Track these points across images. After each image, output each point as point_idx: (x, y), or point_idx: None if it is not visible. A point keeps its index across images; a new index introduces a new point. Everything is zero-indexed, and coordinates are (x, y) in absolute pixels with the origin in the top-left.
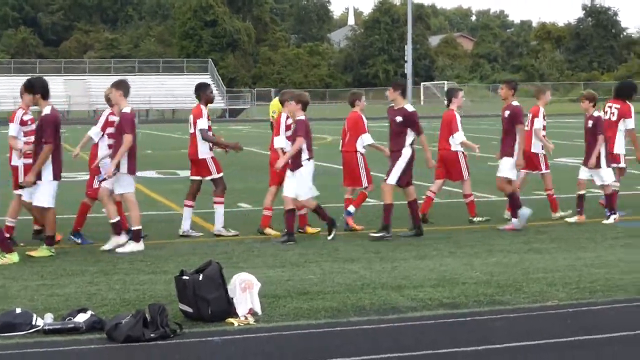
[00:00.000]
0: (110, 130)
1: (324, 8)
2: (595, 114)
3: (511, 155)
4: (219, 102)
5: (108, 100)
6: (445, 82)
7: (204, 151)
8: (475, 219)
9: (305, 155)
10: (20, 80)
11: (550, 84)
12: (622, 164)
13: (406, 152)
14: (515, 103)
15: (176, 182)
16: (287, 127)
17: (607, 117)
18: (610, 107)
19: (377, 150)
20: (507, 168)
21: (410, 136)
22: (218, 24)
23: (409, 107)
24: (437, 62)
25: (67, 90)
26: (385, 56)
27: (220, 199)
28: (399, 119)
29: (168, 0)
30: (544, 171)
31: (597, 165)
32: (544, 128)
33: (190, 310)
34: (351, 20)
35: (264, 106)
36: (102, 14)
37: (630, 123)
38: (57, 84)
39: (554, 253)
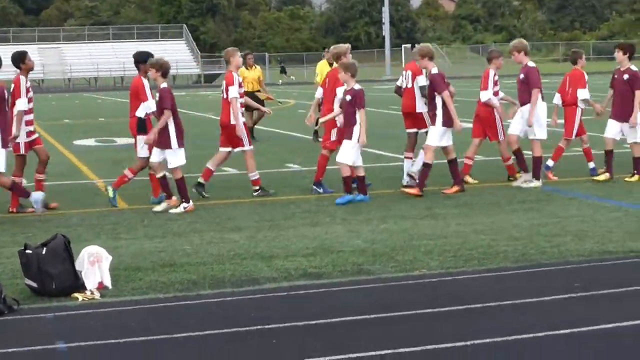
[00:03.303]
0: None
1: None
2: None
3: None
4: (194, 68)
5: None
6: (428, 44)
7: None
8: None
9: None
10: None
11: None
12: None
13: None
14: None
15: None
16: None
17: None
18: None
19: None
20: None
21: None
22: None
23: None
24: (419, 23)
25: (42, 59)
26: (366, 18)
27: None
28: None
29: None
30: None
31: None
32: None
33: (35, 285)
34: None
35: None
36: None
37: None
38: (31, 53)
39: (449, 219)
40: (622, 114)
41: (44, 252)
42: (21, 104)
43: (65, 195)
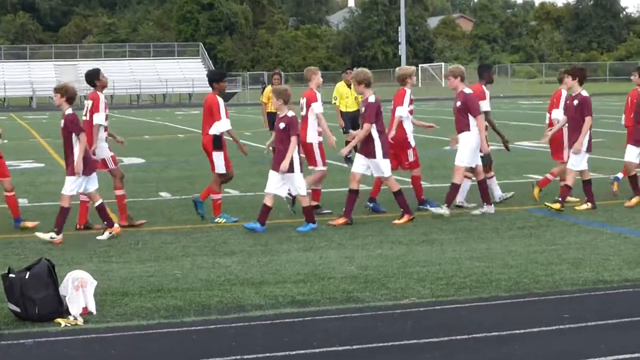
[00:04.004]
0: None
1: None
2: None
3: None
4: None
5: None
6: (443, 63)
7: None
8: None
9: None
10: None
11: (548, 64)
12: None
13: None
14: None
15: None
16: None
17: None
18: None
19: None
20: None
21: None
22: (215, 7)
23: None
24: (436, 43)
25: (58, 76)
26: (383, 38)
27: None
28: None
29: None
30: None
31: None
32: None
33: (18, 309)
34: (351, 2)
35: (256, 90)
36: None
37: None
38: (47, 70)
39: (446, 244)
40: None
41: (27, 276)
42: (99, 118)
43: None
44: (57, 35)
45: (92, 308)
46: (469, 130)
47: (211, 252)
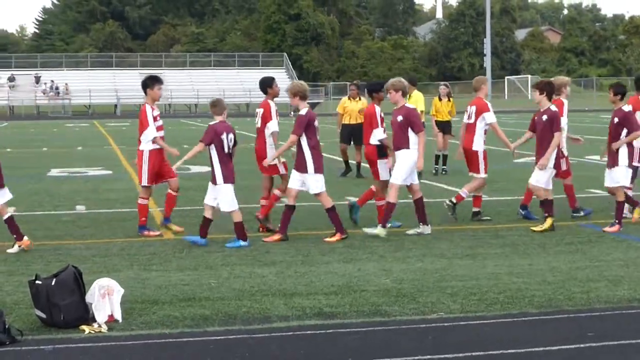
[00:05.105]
0: None
1: (409, 1)
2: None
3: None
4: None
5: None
6: (530, 76)
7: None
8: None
9: None
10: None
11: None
12: None
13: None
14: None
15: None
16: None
17: None
18: None
19: None
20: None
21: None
22: (302, 18)
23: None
24: (524, 55)
25: None
26: (470, 49)
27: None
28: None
29: None
30: None
31: None
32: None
33: (44, 315)
34: (439, 14)
35: (339, 100)
36: (190, 8)
37: None
38: (133, 78)
39: (488, 259)
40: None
41: (53, 283)
42: (273, 125)
43: (122, 223)
44: (146, 44)
45: (118, 316)
46: (408, 147)
47: (251, 261)
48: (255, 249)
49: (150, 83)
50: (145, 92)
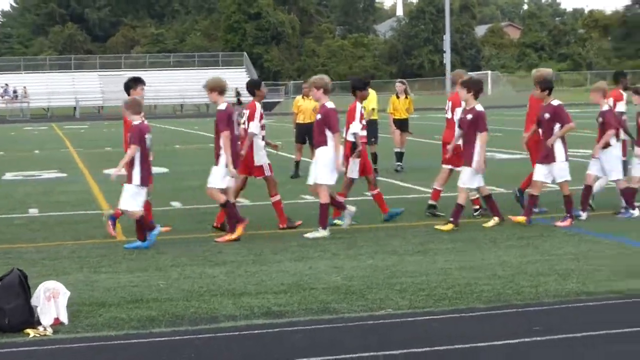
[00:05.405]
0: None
1: None
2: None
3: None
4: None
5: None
6: (490, 72)
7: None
8: None
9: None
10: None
11: (596, 72)
12: None
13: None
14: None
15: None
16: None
17: None
18: None
19: None
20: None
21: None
22: (262, 17)
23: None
24: (484, 51)
25: (102, 86)
26: (430, 46)
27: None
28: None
29: None
30: None
31: None
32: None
33: None
34: (400, 11)
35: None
36: (149, 9)
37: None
38: (92, 80)
39: (440, 255)
40: (470, 157)
41: None
42: (254, 127)
43: (74, 226)
44: (105, 45)
45: (64, 318)
46: (326, 145)
47: (202, 262)
48: (207, 249)
49: (133, 84)
50: (129, 94)
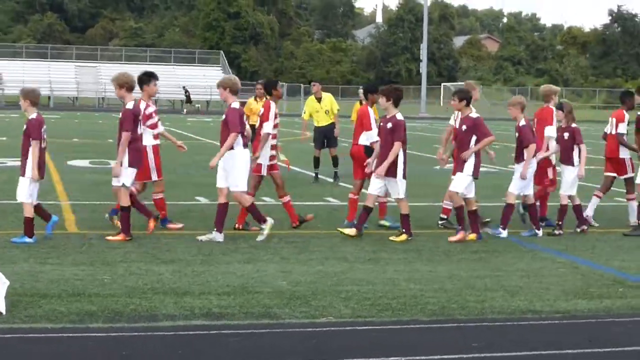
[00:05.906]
0: None
1: (349, 4)
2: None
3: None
4: None
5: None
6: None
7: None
8: None
9: None
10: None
11: (572, 89)
12: None
13: None
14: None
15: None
16: None
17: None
18: None
19: None
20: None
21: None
22: (241, 17)
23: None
24: (461, 62)
25: (78, 77)
26: (408, 55)
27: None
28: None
29: None
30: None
31: None
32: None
33: None
34: (379, 18)
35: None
36: (129, 3)
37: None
38: (68, 71)
39: (390, 264)
40: (394, 168)
41: None
42: (268, 127)
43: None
44: (84, 37)
45: (2, 308)
46: (233, 148)
47: (151, 259)
48: (157, 246)
49: (147, 79)
50: (142, 88)
